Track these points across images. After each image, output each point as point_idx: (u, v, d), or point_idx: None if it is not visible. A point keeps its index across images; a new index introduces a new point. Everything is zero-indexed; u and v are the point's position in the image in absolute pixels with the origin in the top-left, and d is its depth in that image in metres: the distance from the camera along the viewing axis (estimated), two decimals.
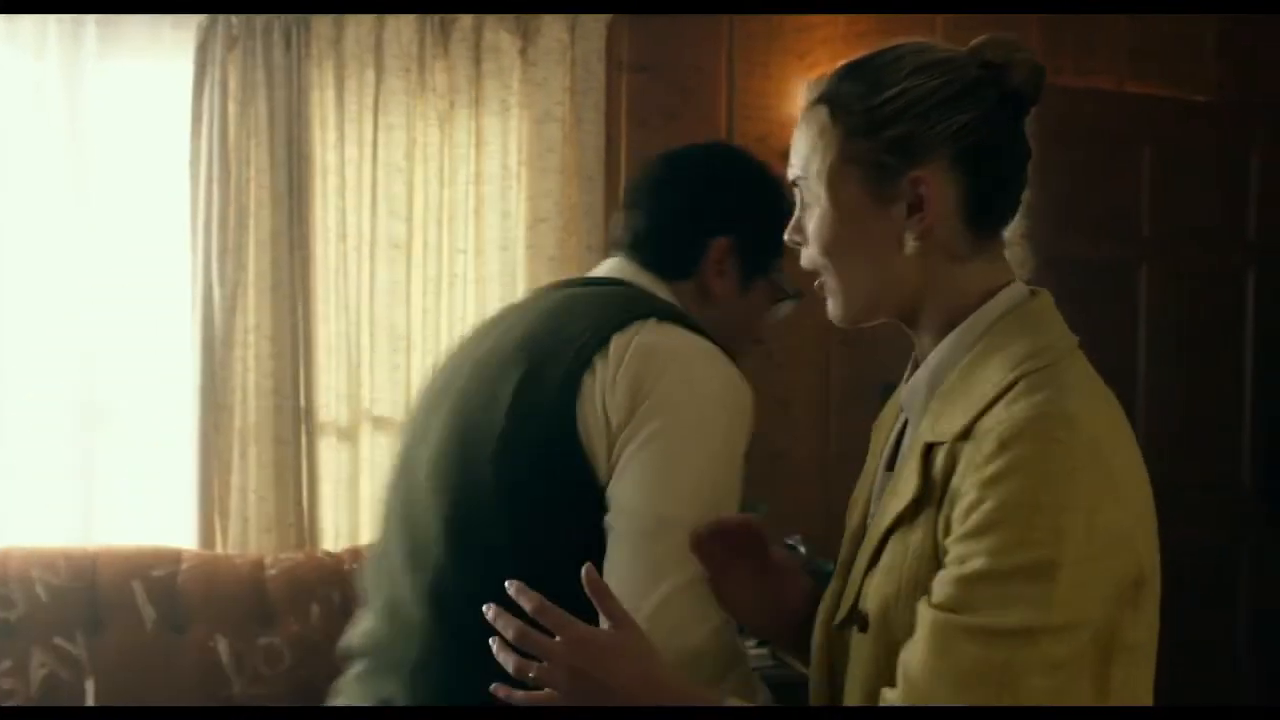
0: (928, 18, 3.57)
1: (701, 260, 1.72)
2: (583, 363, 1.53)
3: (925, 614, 1.21)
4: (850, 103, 1.31)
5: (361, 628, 1.70)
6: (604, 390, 1.52)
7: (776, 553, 1.52)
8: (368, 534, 3.35)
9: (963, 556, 1.19)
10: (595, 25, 3.60)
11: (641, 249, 1.73)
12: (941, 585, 1.21)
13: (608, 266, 1.76)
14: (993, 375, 1.25)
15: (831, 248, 1.34)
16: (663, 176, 1.78)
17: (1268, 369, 4.14)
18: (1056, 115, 3.89)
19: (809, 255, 1.38)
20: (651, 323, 1.58)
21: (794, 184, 1.38)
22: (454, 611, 1.54)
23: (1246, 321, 4.13)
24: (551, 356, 1.56)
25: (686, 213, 1.73)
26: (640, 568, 1.48)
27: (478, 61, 3.55)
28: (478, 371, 1.63)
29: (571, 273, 3.11)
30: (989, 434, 1.20)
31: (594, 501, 1.51)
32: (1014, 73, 1.30)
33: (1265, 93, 4.08)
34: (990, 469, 1.19)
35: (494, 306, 2.76)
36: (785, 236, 1.42)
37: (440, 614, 1.57)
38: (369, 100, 3.48)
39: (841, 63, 1.37)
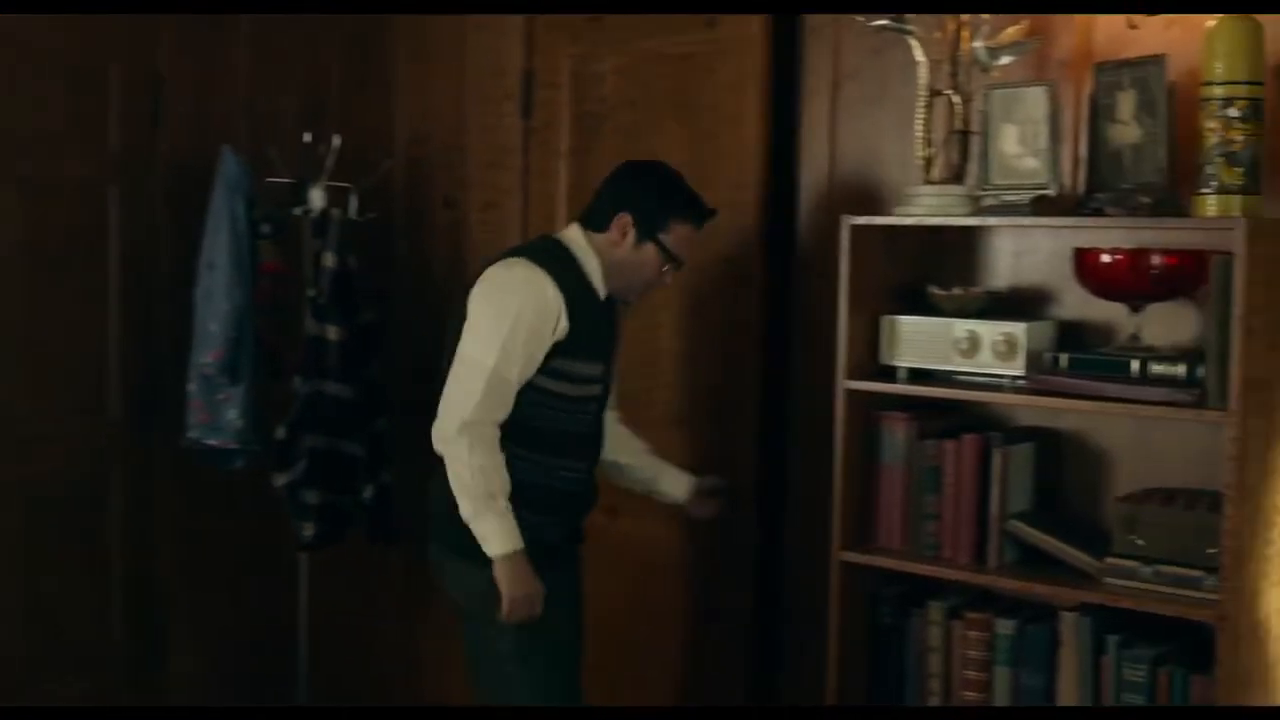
0: None
1: (611, 223, 3.01)
2: (473, 280, 3.01)
3: None
4: None
5: None
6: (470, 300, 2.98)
7: None
8: None
9: None
10: None
11: (584, 212, 3.10)
12: None
13: (565, 230, 3.11)
14: None
15: None
16: (608, 178, 3.10)
17: (133, 286, 3.97)
18: None
19: None
20: (503, 260, 3.02)
21: None
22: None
23: (110, 237, 3.94)
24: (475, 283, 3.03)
25: (608, 197, 3.05)
26: (453, 381, 2.95)
27: None
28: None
29: None
30: None
31: None
32: None
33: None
34: None
35: None
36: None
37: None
38: None
39: None
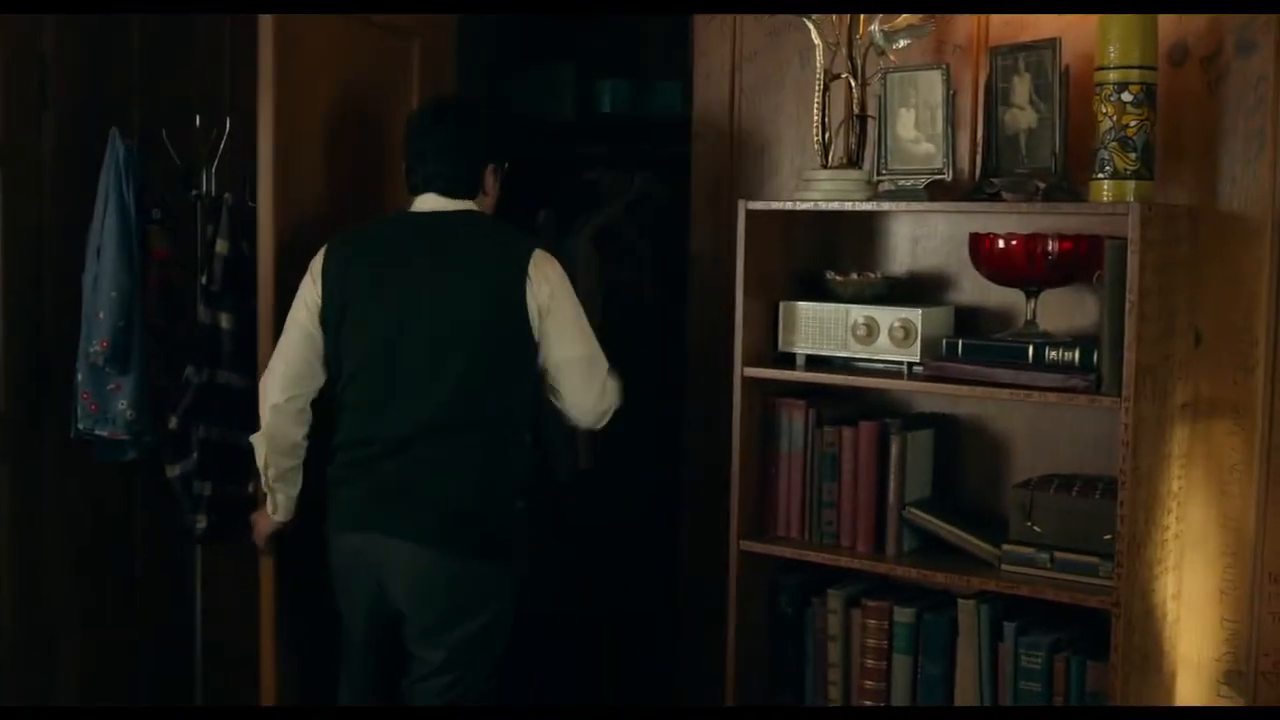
0: None
1: (482, 182, 2.98)
2: (523, 277, 2.83)
3: None
4: None
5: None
6: (534, 291, 2.84)
7: None
8: None
9: None
10: None
11: (449, 185, 2.95)
12: None
13: (438, 203, 2.96)
14: None
15: None
16: (448, 130, 2.96)
17: (20, 274, 3.85)
18: None
19: None
20: (538, 252, 2.88)
21: None
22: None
23: None
24: (502, 271, 2.86)
25: (473, 160, 2.96)
26: (585, 379, 2.92)
27: None
28: (436, 275, 2.90)
29: None
30: None
31: (533, 349, 2.88)
32: None
33: None
34: None
35: None
36: None
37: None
38: None
39: None
